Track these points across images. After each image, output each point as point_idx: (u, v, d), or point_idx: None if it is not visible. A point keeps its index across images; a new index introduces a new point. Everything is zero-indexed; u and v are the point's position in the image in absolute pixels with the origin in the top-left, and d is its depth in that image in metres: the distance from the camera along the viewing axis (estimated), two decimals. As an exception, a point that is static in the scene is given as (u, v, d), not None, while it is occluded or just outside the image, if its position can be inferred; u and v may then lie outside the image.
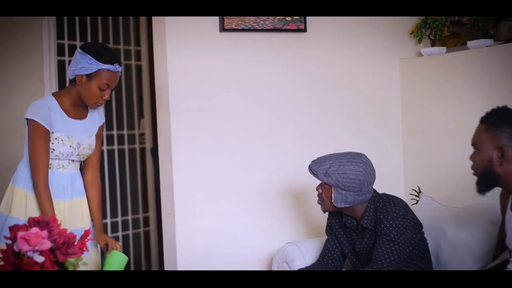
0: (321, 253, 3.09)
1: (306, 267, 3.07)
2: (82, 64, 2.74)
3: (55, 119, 2.79)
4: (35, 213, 2.79)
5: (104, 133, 4.56)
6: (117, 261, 2.74)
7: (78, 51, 2.80)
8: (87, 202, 2.97)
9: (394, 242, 2.73)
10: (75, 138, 2.84)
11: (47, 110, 2.78)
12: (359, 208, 2.86)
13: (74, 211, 2.90)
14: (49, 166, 2.81)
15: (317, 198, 2.94)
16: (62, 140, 2.80)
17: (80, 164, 2.99)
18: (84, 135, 2.88)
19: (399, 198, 2.88)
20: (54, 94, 2.88)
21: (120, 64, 2.79)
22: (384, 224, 2.75)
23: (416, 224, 2.83)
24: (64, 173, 2.86)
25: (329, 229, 3.06)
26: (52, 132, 2.79)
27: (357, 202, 2.83)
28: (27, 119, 2.79)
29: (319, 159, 2.89)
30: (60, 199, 2.85)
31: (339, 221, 3.01)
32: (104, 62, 2.73)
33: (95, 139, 2.95)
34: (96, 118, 2.97)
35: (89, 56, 2.73)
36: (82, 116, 2.90)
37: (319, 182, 2.90)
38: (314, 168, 2.85)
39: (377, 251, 2.74)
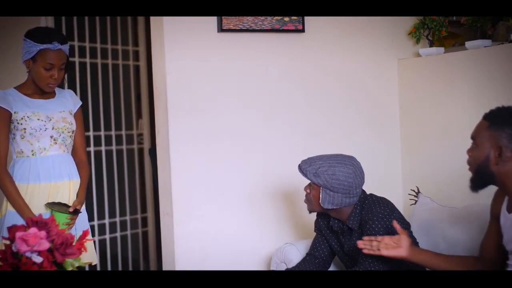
0: (308, 251, 3.08)
1: (293, 267, 3.05)
2: (26, 49, 2.85)
3: (14, 101, 2.85)
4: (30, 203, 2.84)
5: (102, 133, 4.56)
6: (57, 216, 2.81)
7: (22, 38, 2.89)
8: (78, 185, 2.98)
9: None
10: (42, 113, 2.88)
11: (6, 95, 2.86)
12: (346, 210, 2.85)
13: (60, 193, 2.91)
14: (32, 152, 2.87)
15: (304, 198, 2.93)
16: (28, 117, 2.85)
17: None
18: (54, 111, 2.93)
19: (384, 198, 2.87)
20: (14, 87, 2.94)
21: (61, 42, 2.84)
22: (369, 224, 2.74)
23: (403, 223, 2.81)
24: (48, 156, 2.89)
25: (317, 229, 3.06)
26: (16, 112, 2.84)
27: (344, 204, 2.81)
28: None
29: (309, 159, 2.88)
30: (47, 181, 2.88)
31: (327, 224, 3.00)
32: (42, 43, 2.81)
33: (72, 117, 2.99)
34: (67, 97, 3.02)
35: (29, 40, 2.84)
36: (48, 97, 2.95)
37: (309, 182, 2.89)
38: (304, 167, 2.84)
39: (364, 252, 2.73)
